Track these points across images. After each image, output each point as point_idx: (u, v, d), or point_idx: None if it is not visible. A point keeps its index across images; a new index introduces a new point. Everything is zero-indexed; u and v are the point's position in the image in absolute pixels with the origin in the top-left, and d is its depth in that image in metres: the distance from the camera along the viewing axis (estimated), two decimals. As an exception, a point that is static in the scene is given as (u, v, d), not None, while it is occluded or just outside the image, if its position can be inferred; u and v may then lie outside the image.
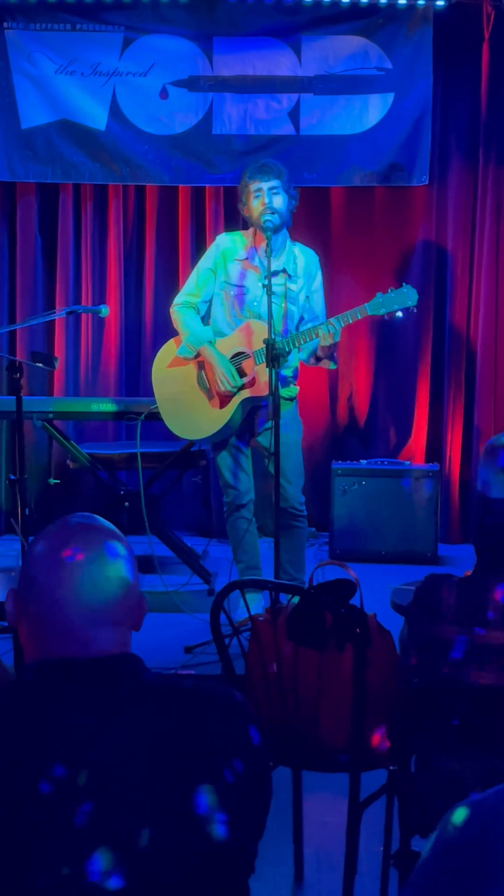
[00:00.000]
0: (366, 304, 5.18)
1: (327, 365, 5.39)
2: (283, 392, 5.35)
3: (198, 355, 5.42)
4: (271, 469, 5.09)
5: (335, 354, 5.35)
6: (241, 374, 5.36)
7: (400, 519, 6.86)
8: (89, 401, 6.59)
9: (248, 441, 5.54)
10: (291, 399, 5.53)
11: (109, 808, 1.56)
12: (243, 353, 5.35)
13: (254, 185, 5.34)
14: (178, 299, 5.58)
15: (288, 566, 5.49)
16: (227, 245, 5.52)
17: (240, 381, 5.33)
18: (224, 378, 5.32)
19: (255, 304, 5.38)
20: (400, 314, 5.18)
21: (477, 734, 2.52)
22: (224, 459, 5.53)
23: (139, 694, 1.66)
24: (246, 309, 5.41)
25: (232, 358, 5.38)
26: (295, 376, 5.57)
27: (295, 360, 5.48)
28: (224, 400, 5.39)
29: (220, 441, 5.50)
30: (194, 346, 5.41)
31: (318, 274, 5.54)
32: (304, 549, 5.68)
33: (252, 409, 5.42)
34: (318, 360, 5.35)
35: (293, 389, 5.56)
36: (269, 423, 5.02)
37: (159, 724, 1.63)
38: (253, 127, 7.34)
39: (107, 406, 6.30)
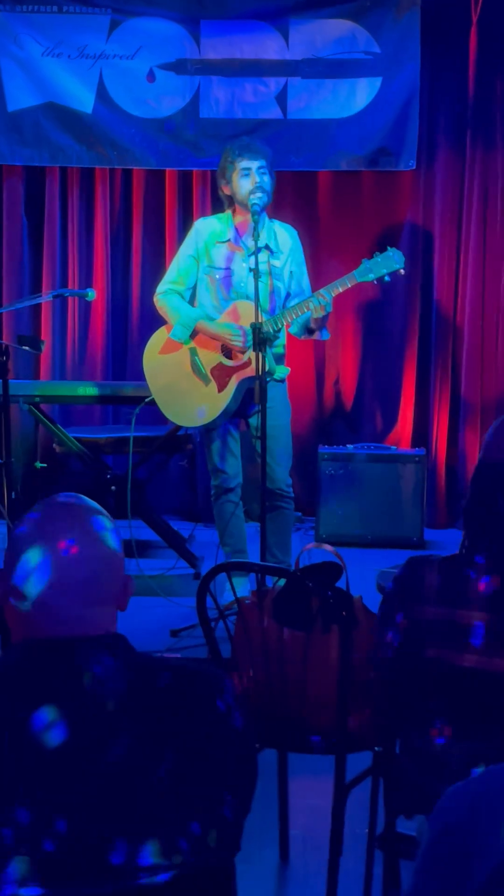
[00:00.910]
0: (353, 271, 5.13)
1: (320, 336, 5.36)
2: (277, 373, 5.36)
3: (195, 334, 5.39)
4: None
5: (327, 325, 5.33)
6: (233, 356, 5.34)
7: (386, 503, 6.87)
8: (76, 384, 6.58)
9: (239, 424, 5.53)
10: (282, 380, 5.51)
11: (94, 786, 1.56)
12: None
13: (241, 164, 5.31)
14: (161, 287, 5.54)
15: (275, 549, 5.49)
16: (208, 229, 5.48)
17: (240, 330, 5.27)
18: (232, 337, 5.28)
19: (242, 285, 5.36)
20: (388, 278, 5.14)
21: (461, 716, 2.53)
22: (214, 443, 5.52)
23: (124, 674, 1.66)
24: (233, 291, 5.39)
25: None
26: (284, 358, 5.56)
27: (283, 341, 5.45)
28: (221, 383, 5.36)
29: (212, 424, 5.45)
30: (189, 325, 5.38)
31: (298, 248, 5.52)
32: (290, 531, 5.66)
33: (248, 390, 5.36)
34: (311, 332, 5.31)
35: (284, 370, 5.54)
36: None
37: (144, 704, 1.63)
38: (240, 110, 7.32)
39: (93, 390, 6.28)
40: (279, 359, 5.44)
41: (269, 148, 5.47)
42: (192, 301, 5.50)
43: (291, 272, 5.45)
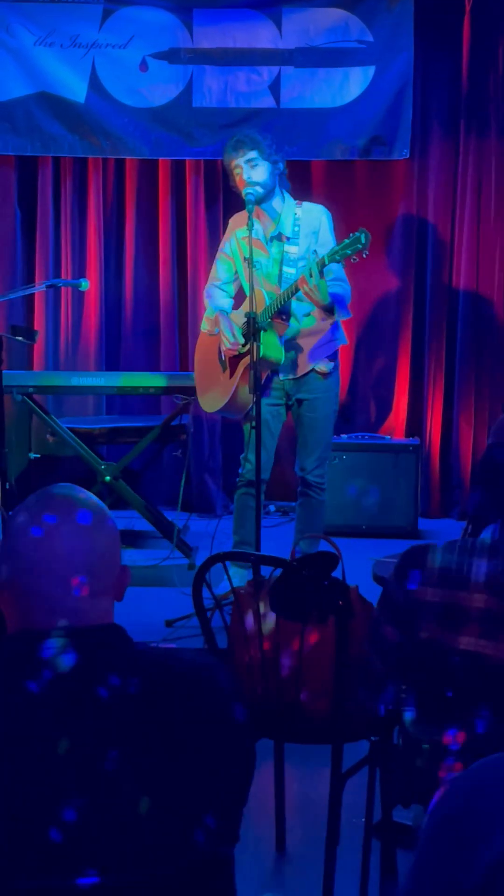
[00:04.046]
0: (323, 253, 5.10)
1: (335, 316, 5.32)
2: (317, 367, 5.40)
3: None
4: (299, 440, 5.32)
5: (340, 304, 5.28)
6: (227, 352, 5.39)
7: (381, 493, 6.87)
8: (69, 375, 6.57)
9: (281, 416, 5.53)
10: (326, 374, 5.48)
11: (90, 777, 1.56)
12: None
13: (233, 162, 5.32)
14: (207, 285, 5.72)
15: (300, 538, 5.45)
16: (237, 224, 5.53)
17: (241, 339, 5.29)
18: (224, 336, 5.31)
19: (263, 274, 5.36)
20: (354, 259, 5.07)
21: (460, 702, 2.53)
22: (246, 432, 5.48)
23: (123, 664, 1.65)
24: (261, 281, 5.34)
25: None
26: (331, 354, 5.50)
27: (327, 336, 5.42)
28: (232, 369, 5.40)
29: (248, 411, 5.43)
30: (210, 317, 5.52)
31: (321, 226, 5.42)
32: (319, 521, 5.63)
33: (267, 377, 5.37)
34: (329, 311, 5.26)
35: (328, 365, 5.48)
36: (301, 395, 5.24)
37: (143, 695, 1.63)
38: (233, 100, 7.30)
39: (87, 380, 6.27)
40: (289, 345, 5.37)
41: (264, 134, 5.43)
42: (240, 295, 5.56)
43: (315, 251, 5.33)
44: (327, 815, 3.01)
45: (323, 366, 5.44)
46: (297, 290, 5.09)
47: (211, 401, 5.59)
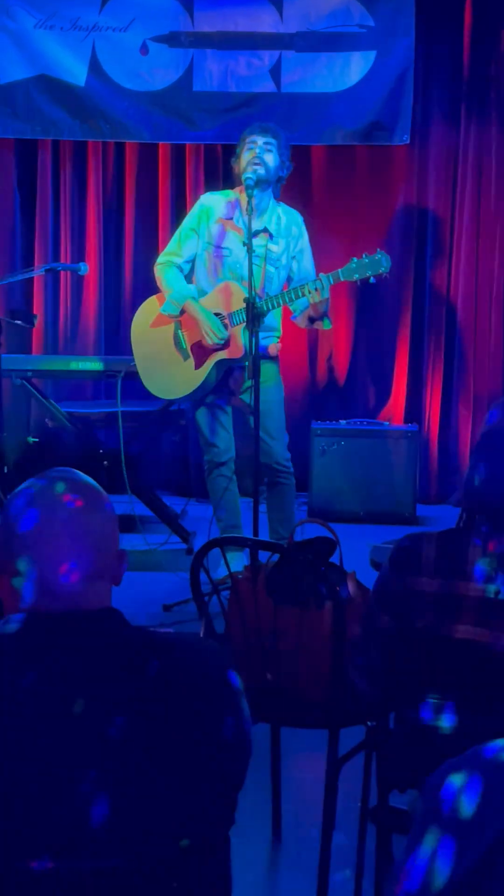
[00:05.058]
0: (339, 269, 5.15)
1: (321, 325, 5.37)
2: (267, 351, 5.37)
3: (182, 312, 5.39)
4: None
5: (328, 314, 5.34)
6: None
7: (379, 479, 6.87)
8: (68, 359, 6.56)
9: (229, 399, 5.53)
10: (273, 358, 5.51)
11: (92, 760, 1.56)
12: (219, 314, 5.33)
13: (250, 138, 5.35)
14: (161, 258, 5.57)
15: (276, 524, 5.51)
16: (209, 204, 5.49)
17: (225, 334, 5.29)
18: (210, 331, 5.30)
19: (238, 265, 5.33)
20: (373, 280, 5.17)
21: (455, 690, 2.53)
22: (204, 417, 5.53)
23: (120, 648, 1.66)
24: (228, 270, 5.38)
25: None
26: (276, 336, 5.54)
27: (276, 320, 5.45)
28: (199, 361, 5.38)
29: (198, 399, 5.49)
30: (178, 303, 5.40)
31: (302, 233, 5.51)
32: (292, 506, 5.66)
33: (228, 369, 5.41)
34: (312, 321, 5.33)
35: (275, 348, 5.53)
36: (251, 382, 5.02)
37: (140, 676, 1.63)
38: (234, 84, 7.28)
39: (86, 364, 6.27)
40: (270, 337, 5.42)
41: (285, 137, 5.44)
42: (191, 273, 5.50)
43: (293, 257, 5.44)
44: (323, 800, 3.02)
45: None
46: (296, 297, 5.13)
47: (165, 387, 5.54)
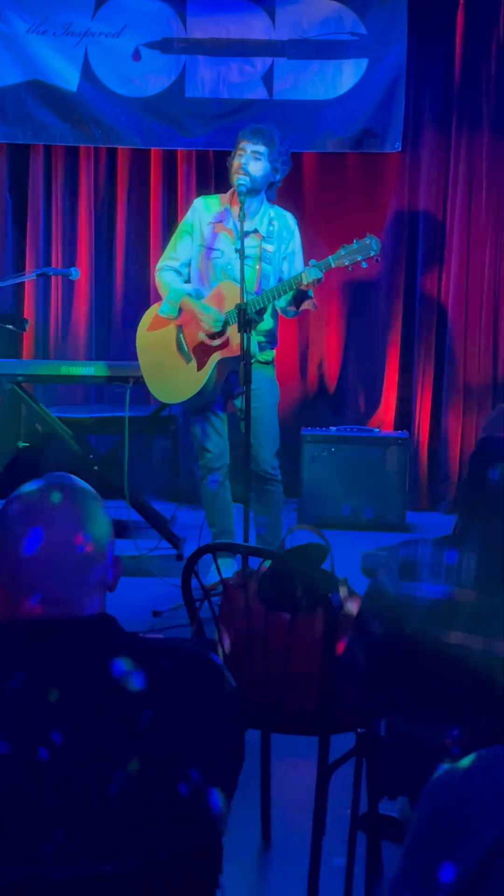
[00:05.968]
0: (329, 256, 5.14)
1: (310, 306, 5.36)
2: (260, 356, 5.35)
3: (180, 311, 5.39)
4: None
5: (314, 298, 5.33)
6: (215, 336, 5.33)
7: (369, 486, 6.88)
8: (59, 364, 6.55)
9: (225, 405, 5.53)
10: (268, 363, 5.51)
11: (82, 766, 1.56)
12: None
13: (241, 144, 5.34)
14: (160, 263, 5.59)
15: (263, 530, 5.51)
16: (201, 207, 5.49)
17: (222, 318, 5.27)
18: (207, 319, 5.28)
19: (230, 267, 5.34)
20: (364, 264, 5.16)
21: (445, 696, 2.53)
22: (198, 422, 5.52)
23: (115, 654, 1.65)
24: (220, 272, 5.38)
25: None
26: (271, 340, 5.53)
27: (268, 323, 5.44)
28: (201, 362, 5.37)
29: (197, 404, 5.47)
30: (175, 301, 5.40)
31: (294, 234, 5.50)
32: (279, 513, 5.66)
33: (229, 372, 5.38)
34: (299, 304, 5.30)
35: (269, 353, 5.53)
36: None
37: (134, 682, 1.63)
38: (226, 90, 7.29)
39: (77, 370, 6.26)
40: (262, 345, 5.42)
41: (285, 143, 5.42)
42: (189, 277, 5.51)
43: (285, 258, 5.44)
44: (313, 807, 3.01)
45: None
46: (289, 289, 5.11)
47: (169, 391, 5.54)
